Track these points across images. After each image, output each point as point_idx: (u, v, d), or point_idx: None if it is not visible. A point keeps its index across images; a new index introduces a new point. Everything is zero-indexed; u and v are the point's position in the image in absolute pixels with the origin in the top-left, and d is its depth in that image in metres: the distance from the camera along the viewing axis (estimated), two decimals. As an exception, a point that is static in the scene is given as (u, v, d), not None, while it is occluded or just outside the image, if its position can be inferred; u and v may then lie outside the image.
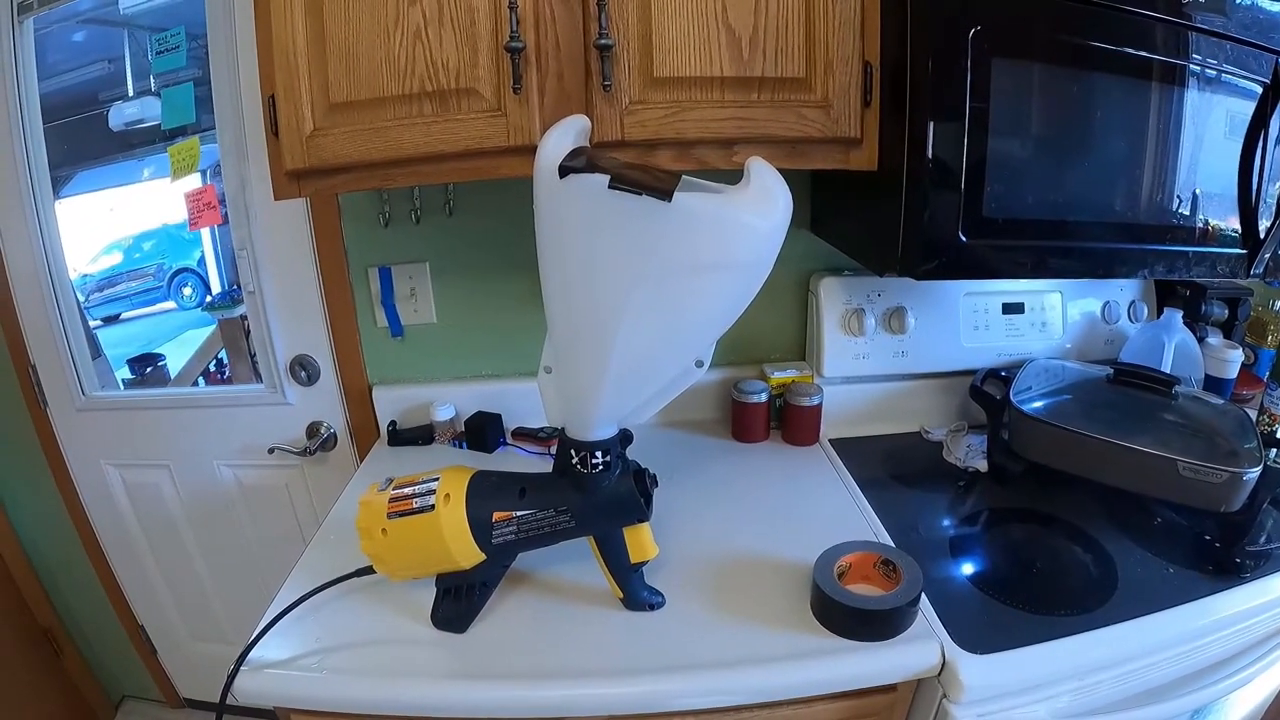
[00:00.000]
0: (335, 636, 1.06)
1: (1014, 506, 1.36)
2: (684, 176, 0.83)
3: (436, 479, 1.01)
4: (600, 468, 0.99)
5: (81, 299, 1.89)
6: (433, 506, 0.98)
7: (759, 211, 0.83)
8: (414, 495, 1.00)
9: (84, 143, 1.86)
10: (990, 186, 1.07)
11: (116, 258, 2.83)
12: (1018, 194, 1.10)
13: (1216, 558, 1.19)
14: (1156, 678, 1.07)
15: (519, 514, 1.00)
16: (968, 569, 1.18)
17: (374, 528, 1.01)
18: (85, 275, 1.97)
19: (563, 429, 1.01)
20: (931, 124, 1.04)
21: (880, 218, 1.18)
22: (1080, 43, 1.06)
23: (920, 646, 0.99)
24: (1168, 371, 1.46)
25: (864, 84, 1.09)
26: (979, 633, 1.01)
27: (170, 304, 3.03)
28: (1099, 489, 1.29)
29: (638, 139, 1.09)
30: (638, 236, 0.82)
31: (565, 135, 0.86)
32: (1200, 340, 1.58)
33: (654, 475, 1.05)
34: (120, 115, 1.79)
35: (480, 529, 0.99)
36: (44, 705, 2.16)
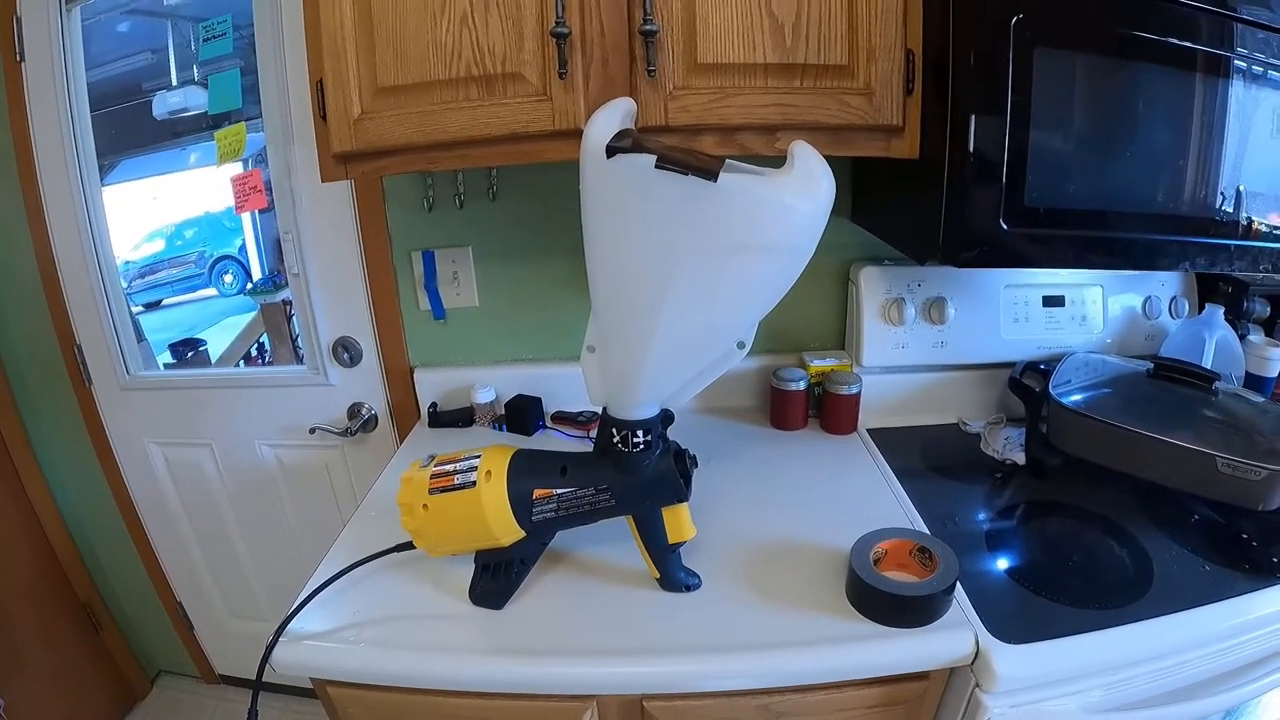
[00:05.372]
0: (373, 610, 1.07)
1: (1051, 500, 1.35)
2: (728, 160, 0.84)
3: (478, 456, 1.03)
4: (641, 447, 0.99)
5: (124, 285, 1.93)
6: (474, 483, 0.99)
7: (803, 194, 0.83)
8: (456, 472, 1.01)
9: (128, 131, 1.90)
10: (1032, 175, 1.06)
11: (159, 245, 2.87)
12: (1060, 183, 1.09)
13: (1253, 557, 1.17)
14: (1190, 676, 1.06)
15: (559, 492, 1.01)
16: (1003, 560, 1.17)
17: (415, 503, 1.02)
18: (128, 262, 2.01)
19: (604, 408, 1.02)
20: (973, 112, 1.03)
21: (921, 205, 1.18)
22: (1123, 32, 1.04)
23: (954, 635, 0.99)
24: (1208, 368, 1.45)
25: (906, 72, 1.09)
26: (1013, 623, 1.01)
27: (211, 291, 3.08)
28: (1137, 484, 1.28)
29: (682, 124, 1.10)
30: (682, 217, 0.82)
31: (612, 117, 0.86)
32: (1242, 337, 1.55)
33: (694, 456, 1.06)
34: (164, 104, 1.83)
35: (521, 506, 1.00)
36: (81, 678, 2.21)
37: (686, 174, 0.80)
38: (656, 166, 0.80)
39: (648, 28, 1.04)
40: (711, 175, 0.79)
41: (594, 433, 1.03)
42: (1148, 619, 1.02)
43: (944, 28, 1.04)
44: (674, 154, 0.81)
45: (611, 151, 0.82)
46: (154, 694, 2.46)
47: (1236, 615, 1.05)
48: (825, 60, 1.08)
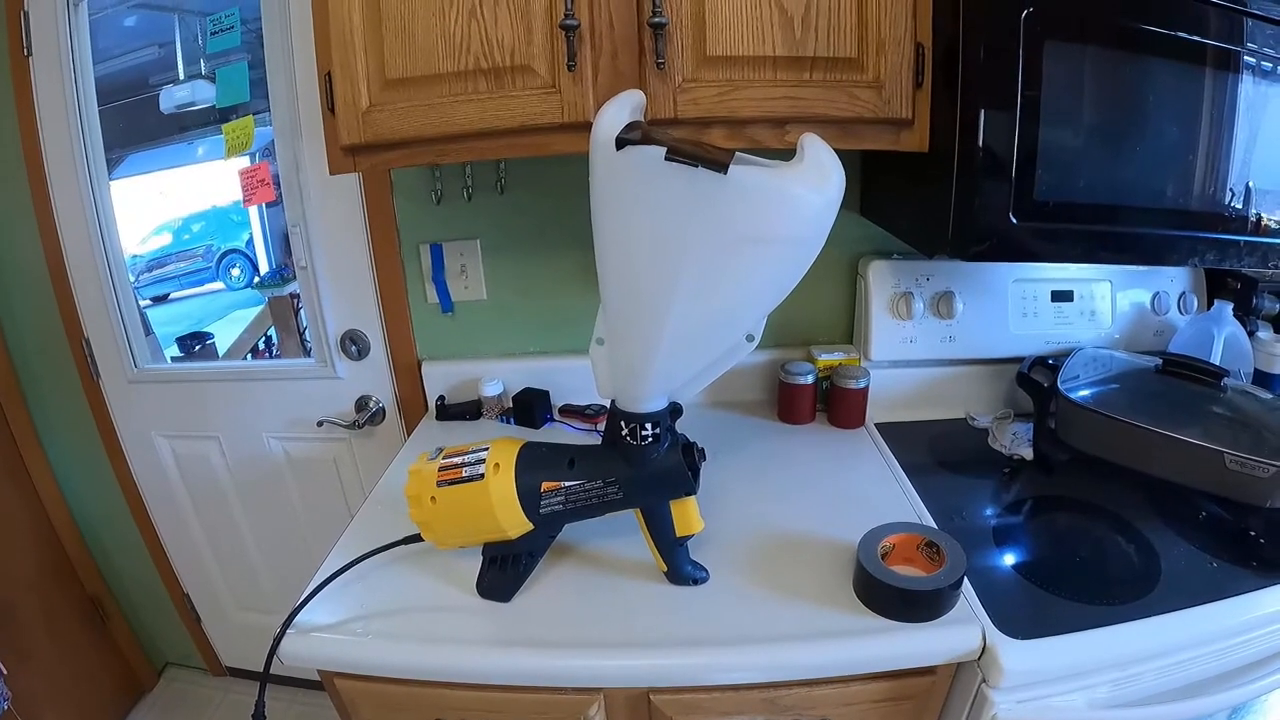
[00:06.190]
0: (381, 603, 1.08)
1: (1058, 495, 1.35)
2: (737, 153, 0.84)
3: (486, 449, 1.03)
4: (650, 440, 0.99)
5: (131, 279, 1.93)
6: (482, 475, 0.99)
7: (813, 185, 0.83)
8: (464, 464, 1.01)
9: (136, 125, 1.90)
10: (1042, 169, 1.06)
11: (166, 239, 2.88)
12: (1069, 178, 1.09)
13: (1261, 554, 1.16)
14: (1196, 673, 1.05)
15: (567, 484, 1.01)
16: (1010, 555, 1.17)
17: (423, 495, 1.02)
18: (135, 256, 2.01)
19: (613, 401, 1.02)
20: (983, 105, 1.03)
21: (931, 199, 1.17)
22: (1133, 26, 1.04)
23: (962, 629, 0.99)
24: (1217, 364, 1.44)
25: (916, 65, 1.08)
26: (1020, 618, 1.01)
27: (218, 284, 3.09)
28: (1144, 480, 1.27)
29: (691, 117, 1.09)
30: (692, 208, 0.82)
31: (621, 109, 0.86)
32: (1250, 334, 1.55)
33: (702, 449, 1.05)
34: (171, 98, 1.83)
35: (528, 498, 1.00)
36: (88, 670, 2.22)
37: (696, 166, 0.79)
38: (666, 158, 0.80)
39: (657, 20, 1.04)
40: (721, 167, 0.79)
41: (602, 426, 1.03)
42: (1155, 615, 1.02)
43: (954, 20, 1.04)
44: (684, 146, 0.80)
45: (621, 144, 0.82)
46: (161, 686, 2.47)
47: (1243, 612, 1.05)
48: (835, 53, 1.08)
